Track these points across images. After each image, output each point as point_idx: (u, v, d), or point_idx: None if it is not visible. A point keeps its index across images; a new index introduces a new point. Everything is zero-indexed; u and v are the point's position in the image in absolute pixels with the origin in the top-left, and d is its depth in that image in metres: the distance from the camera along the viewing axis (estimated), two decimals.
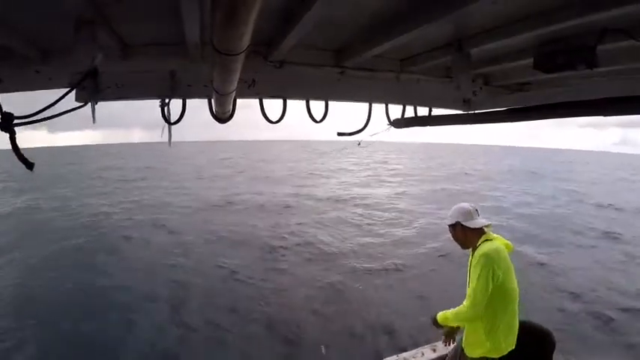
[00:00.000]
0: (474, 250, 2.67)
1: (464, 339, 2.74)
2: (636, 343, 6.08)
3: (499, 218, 14.72)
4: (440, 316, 2.71)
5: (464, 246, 2.77)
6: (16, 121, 1.20)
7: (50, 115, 1.30)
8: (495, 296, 2.45)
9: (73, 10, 1.45)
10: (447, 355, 3.10)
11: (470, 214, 2.68)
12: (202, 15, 1.44)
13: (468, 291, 2.53)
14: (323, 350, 5.73)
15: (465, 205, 2.77)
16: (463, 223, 2.67)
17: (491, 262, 2.45)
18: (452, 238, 2.82)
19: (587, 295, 7.97)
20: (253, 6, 0.88)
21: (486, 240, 2.63)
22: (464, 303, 2.54)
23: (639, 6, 1.37)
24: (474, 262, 2.54)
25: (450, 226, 2.77)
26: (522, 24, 1.76)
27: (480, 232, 2.67)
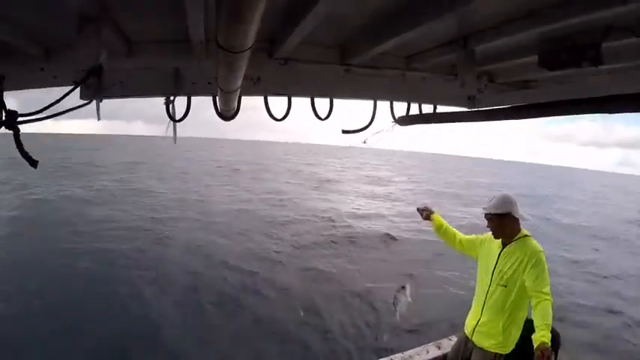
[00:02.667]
0: (506, 242, 2.59)
1: (474, 327, 2.64)
2: None
3: None
4: (547, 336, 2.22)
5: (501, 236, 2.60)
6: (20, 119, 1.21)
7: (54, 112, 1.31)
8: (525, 293, 2.43)
9: (76, 8, 1.46)
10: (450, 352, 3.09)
11: (518, 206, 2.58)
12: (207, 12, 1.44)
13: (543, 287, 2.34)
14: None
15: (512, 195, 2.62)
16: (515, 215, 2.55)
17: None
18: (488, 227, 2.62)
19: None
20: (259, 3, 0.88)
21: (526, 235, 2.57)
22: (538, 300, 2.32)
23: None
24: (527, 258, 2.43)
25: (498, 215, 2.55)
26: (527, 21, 1.75)
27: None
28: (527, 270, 2.40)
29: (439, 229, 3.04)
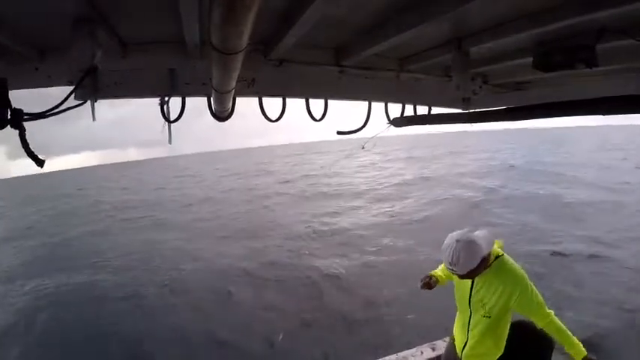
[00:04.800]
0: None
1: (462, 349, 2.53)
2: None
3: None
4: (583, 351, 2.20)
5: (476, 275, 2.26)
6: (25, 117, 1.21)
7: (53, 112, 1.31)
8: (510, 312, 2.36)
9: (71, 9, 1.45)
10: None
11: (488, 235, 2.28)
12: (201, 13, 1.44)
13: (540, 310, 2.23)
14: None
15: (475, 234, 2.22)
16: (489, 253, 2.22)
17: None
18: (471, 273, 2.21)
19: None
20: (252, 4, 0.88)
21: (498, 255, 2.30)
22: (546, 322, 2.23)
23: (638, 5, 1.37)
24: (510, 287, 2.22)
25: (483, 260, 2.17)
26: (521, 23, 1.76)
27: None
28: (515, 299, 2.22)
29: (442, 282, 2.65)
